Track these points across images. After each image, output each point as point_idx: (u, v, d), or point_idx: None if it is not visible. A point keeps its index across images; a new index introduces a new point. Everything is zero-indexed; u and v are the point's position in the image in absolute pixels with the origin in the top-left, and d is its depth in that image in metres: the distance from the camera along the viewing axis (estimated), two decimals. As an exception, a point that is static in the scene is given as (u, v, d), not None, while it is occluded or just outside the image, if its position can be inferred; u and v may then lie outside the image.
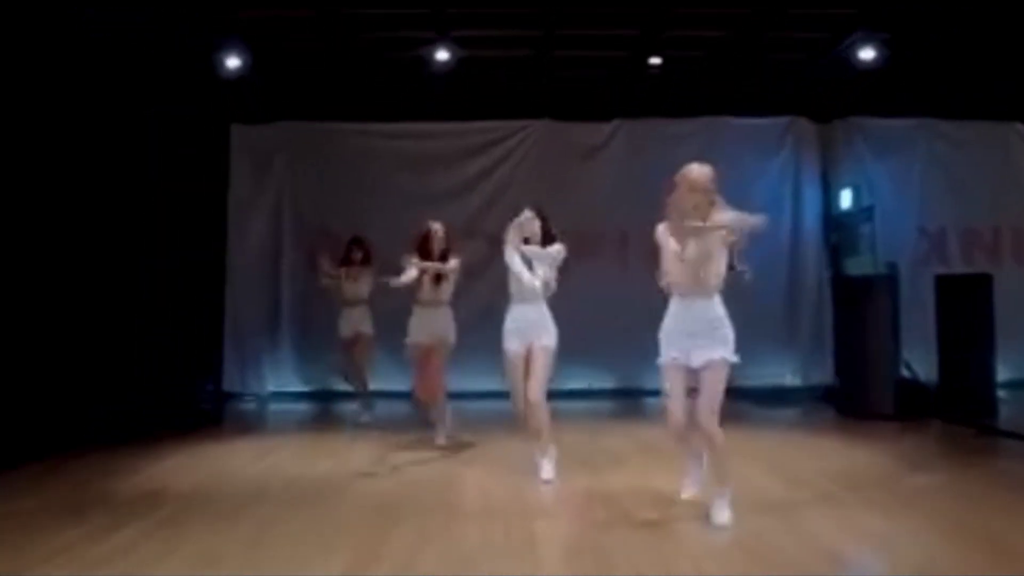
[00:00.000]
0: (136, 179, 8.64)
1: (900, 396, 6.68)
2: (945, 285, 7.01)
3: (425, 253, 5.45)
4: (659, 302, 9.79)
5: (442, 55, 7.44)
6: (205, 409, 8.25)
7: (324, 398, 8.46)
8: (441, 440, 5.48)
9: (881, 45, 7.18)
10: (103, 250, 8.14)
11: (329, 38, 7.93)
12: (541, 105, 8.90)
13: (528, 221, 4.55)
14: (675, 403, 3.69)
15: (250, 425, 7.41)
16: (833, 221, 8.71)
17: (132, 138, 8.62)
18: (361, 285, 6.78)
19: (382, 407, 7.08)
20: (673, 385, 3.68)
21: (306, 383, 8.70)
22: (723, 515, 3.56)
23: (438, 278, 5.43)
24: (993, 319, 6.74)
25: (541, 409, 4.53)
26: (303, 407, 8.43)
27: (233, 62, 7.51)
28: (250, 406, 8.52)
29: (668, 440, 4.05)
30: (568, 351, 9.42)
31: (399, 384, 6.95)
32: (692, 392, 3.66)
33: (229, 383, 8.71)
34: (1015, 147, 9.21)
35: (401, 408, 6.90)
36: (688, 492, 3.98)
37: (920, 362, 7.10)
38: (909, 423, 6.43)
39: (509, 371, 4.61)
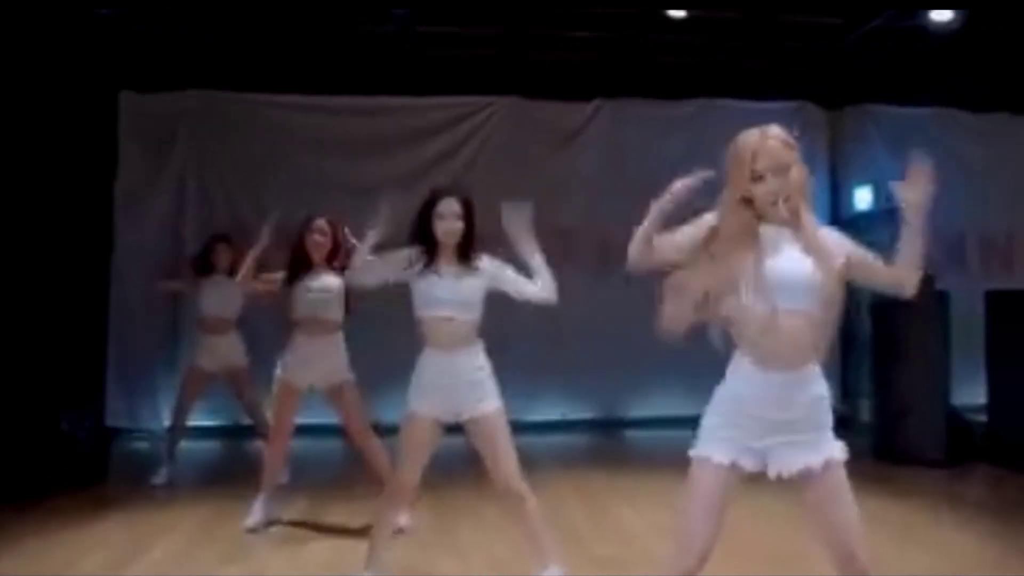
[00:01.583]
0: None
1: (951, 438, 5.51)
2: (996, 302, 5.87)
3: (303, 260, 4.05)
4: (642, 315, 7.97)
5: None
6: (82, 452, 6.47)
7: (235, 434, 6.79)
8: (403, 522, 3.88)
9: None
10: None
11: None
12: (509, 80, 7.43)
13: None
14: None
15: (138, 478, 5.67)
16: (845, 225, 7.51)
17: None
18: (231, 299, 5.08)
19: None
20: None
21: (213, 416, 6.97)
22: None
23: None
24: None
25: (529, 498, 3.06)
26: (208, 445, 6.74)
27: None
28: (140, 445, 6.78)
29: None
30: (538, 374, 7.87)
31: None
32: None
33: (113, 417, 6.93)
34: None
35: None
36: None
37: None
38: (955, 469, 5.39)
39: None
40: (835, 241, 2.24)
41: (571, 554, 3.31)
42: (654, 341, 5.80)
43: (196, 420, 6.62)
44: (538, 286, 3.04)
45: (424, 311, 2.97)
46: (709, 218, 2.23)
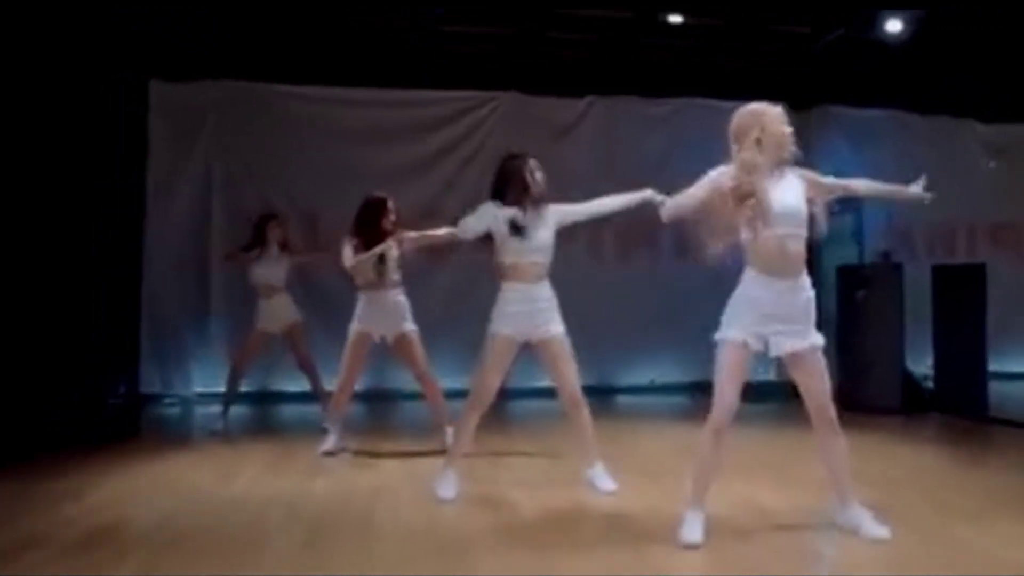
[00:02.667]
0: (29, 140, 7.19)
1: (905, 391, 6.39)
2: (941, 275, 6.78)
3: (380, 231, 4.75)
4: (634, 294, 8.96)
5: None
6: (115, 416, 6.97)
7: (261, 400, 7.33)
8: (449, 441, 4.56)
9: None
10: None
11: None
12: (509, 76, 8.14)
13: (538, 172, 3.78)
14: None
15: (179, 435, 6.21)
16: (811, 210, 8.42)
17: (31, 94, 7.17)
18: (280, 270, 5.82)
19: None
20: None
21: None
22: None
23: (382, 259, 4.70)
24: (986, 310, 6.59)
25: (585, 407, 3.82)
26: (237, 411, 7.26)
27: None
28: (172, 410, 7.28)
29: (705, 434, 3.07)
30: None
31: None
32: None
33: (147, 384, 7.42)
34: (970, 143, 9.32)
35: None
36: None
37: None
38: (913, 417, 6.26)
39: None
40: (810, 175, 3.17)
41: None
42: (641, 317, 6.97)
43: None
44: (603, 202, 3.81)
45: (515, 257, 3.65)
46: (716, 174, 3.00)
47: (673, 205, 3.17)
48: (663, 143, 8.22)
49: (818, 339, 3.05)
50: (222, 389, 7.20)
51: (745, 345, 2.96)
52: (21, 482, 4.01)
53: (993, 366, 8.42)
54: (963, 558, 2.88)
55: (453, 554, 2.92)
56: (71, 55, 7.10)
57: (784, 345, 2.98)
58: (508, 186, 3.70)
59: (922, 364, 6.92)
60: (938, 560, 2.85)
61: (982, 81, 8.60)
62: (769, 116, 3.03)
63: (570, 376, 3.77)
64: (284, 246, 5.86)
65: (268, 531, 3.21)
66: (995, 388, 8.11)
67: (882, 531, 3.01)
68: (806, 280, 3.04)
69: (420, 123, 7.98)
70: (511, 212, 3.66)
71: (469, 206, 4.31)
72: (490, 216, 3.68)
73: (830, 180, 3.34)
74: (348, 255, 4.67)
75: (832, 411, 3.08)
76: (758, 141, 2.97)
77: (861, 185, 3.41)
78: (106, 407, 6.95)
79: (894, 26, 6.42)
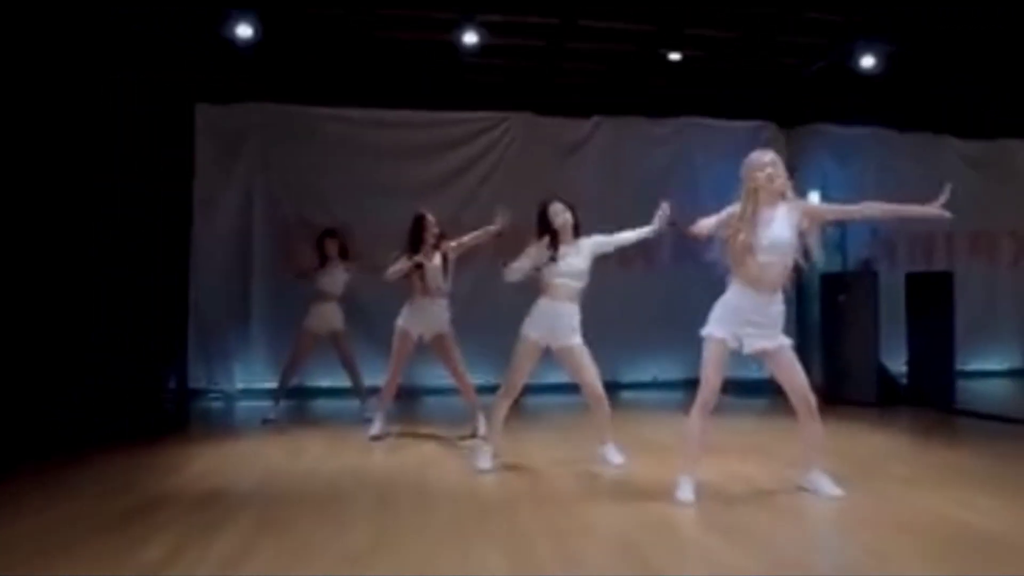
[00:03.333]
0: (91, 160, 7.95)
1: (880, 385, 7.12)
2: (913, 282, 7.53)
3: (421, 242, 5.40)
4: (636, 297, 9.83)
5: (471, 37, 7.35)
6: (169, 407, 7.73)
7: (299, 395, 8.06)
8: (481, 430, 5.31)
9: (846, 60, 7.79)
10: (55, 236, 7.45)
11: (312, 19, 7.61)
12: (523, 98, 8.89)
13: (560, 212, 4.54)
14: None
15: (229, 424, 6.96)
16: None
17: (87, 117, 7.93)
18: (338, 281, 6.53)
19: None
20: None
21: (278, 378, 8.21)
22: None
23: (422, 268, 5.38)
24: (954, 314, 7.32)
25: (604, 401, 4.56)
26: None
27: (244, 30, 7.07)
28: (216, 404, 8.02)
29: (694, 412, 3.83)
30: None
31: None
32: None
33: (194, 379, 8.16)
34: (948, 157, 10.05)
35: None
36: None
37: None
38: (887, 409, 6.95)
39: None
40: (805, 206, 3.80)
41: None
42: (642, 318, 7.90)
43: (269, 383, 7.95)
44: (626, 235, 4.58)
45: (548, 278, 4.40)
46: (726, 215, 3.74)
47: (696, 225, 3.90)
48: (665, 159, 9.01)
49: (785, 340, 3.78)
50: (262, 385, 8.00)
51: (724, 342, 3.70)
52: (119, 459, 4.75)
53: (969, 365, 9.22)
54: (910, 514, 3.58)
55: (495, 510, 3.66)
56: (132, 84, 7.91)
57: (755, 344, 3.71)
58: (540, 226, 4.47)
59: (898, 362, 7.67)
60: (888, 515, 3.57)
61: (959, 99, 9.38)
62: (755, 167, 3.70)
63: (589, 378, 4.52)
64: (344, 257, 6.55)
65: (344, 493, 3.94)
66: (970, 384, 8.88)
67: (836, 491, 3.75)
68: (780, 296, 3.75)
69: (442, 142, 8.73)
70: (545, 243, 4.43)
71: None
72: (532, 254, 4.45)
73: (835, 207, 4.00)
74: (393, 268, 5.35)
75: (811, 398, 3.79)
76: (752, 191, 3.65)
77: (875, 209, 3.86)
78: (162, 399, 7.73)
79: (867, 61, 7.16)
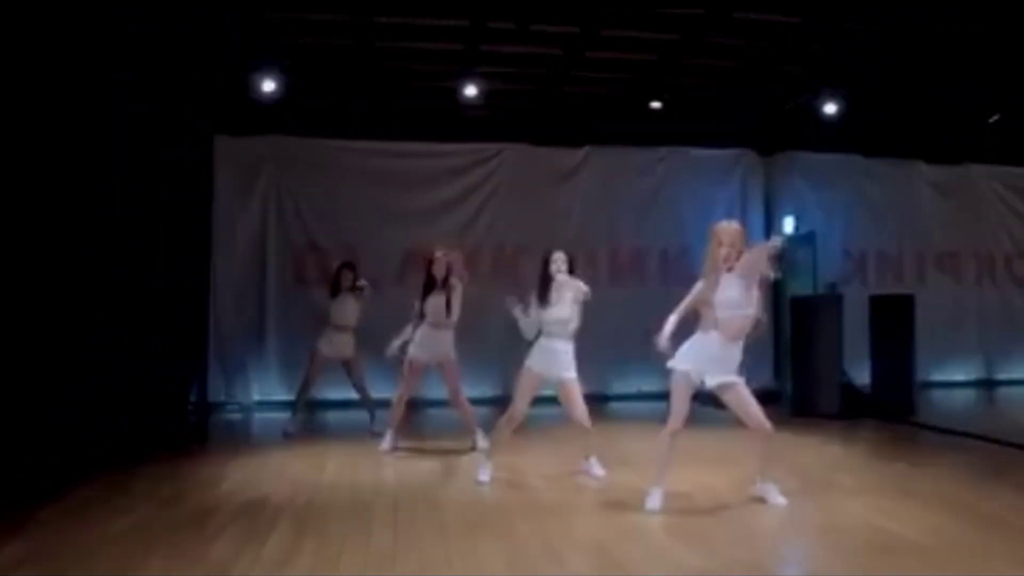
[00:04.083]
0: (118, 184, 8.57)
1: (843, 399, 7.82)
2: (877, 304, 8.22)
3: (430, 279, 6.07)
4: (624, 314, 10.67)
5: (471, 90, 8.18)
6: (193, 419, 8.38)
7: (311, 407, 8.70)
8: (480, 443, 5.99)
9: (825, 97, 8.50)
10: (82, 257, 8.08)
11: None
12: (519, 130, 9.55)
13: (558, 261, 5.22)
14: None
15: (247, 437, 7.64)
16: (775, 245, 9.83)
17: (110, 143, 8.56)
18: (350, 311, 7.02)
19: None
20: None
21: (292, 392, 8.87)
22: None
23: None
24: (914, 333, 8.01)
25: (590, 429, 5.27)
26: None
27: (269, 85, 7.76)
28: (235, 416, 8.67)
29: (664, 434, 4.49)
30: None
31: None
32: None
33: (214, 392, 8.82)
34: (917, 183, 10.75)
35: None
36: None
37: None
38: (852, 422, 7.64)
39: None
40: (747, 260, 4.37)
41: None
42: (630, 335, 8.77)
43: (283, 396, 8.60)
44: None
45: (544, 320, 5.10)
46: (698, 284, 4.44)
47: (665, 327, 4.46)
48: (651, 186, 9.72)
49: (739, 378, 4.43)
50: (277, 397, 8.66)
51: (688, 374, 4.37)
52: (163, 470, 5.41)
53: (934, 376, 9.92)
54: (838, 520, 4.26)
55: (496, 517, 4.32)
56: (158, 117, 8.53)
57: (713, 380, 4.38)
58: (543, 269, 5.22)
59: (866, 374, 8.33)
60: (820, 521, 4.25)
61: (926, 127, 10.06)
62: (720, 236, 4.33)
63: (578, 413, 5.22)
64: (351, 290, 7.03)
65: (365, 502, 4.60)
66: (935, 395, 9.57)
67: (781, 500, 4.43)
68: (740, 344, 4.38)
69: (444, 171, 9.42)
70: (535, 295, 5.18)
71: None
72: (534, 306, 5.16)
73: (752, 252, 4.39)
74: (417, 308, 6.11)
75: (766, 424, 4.44)
76: (715, 250, 4.31)
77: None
78: (186, 413, 8.39)
79: (830, 108, 7.87)
